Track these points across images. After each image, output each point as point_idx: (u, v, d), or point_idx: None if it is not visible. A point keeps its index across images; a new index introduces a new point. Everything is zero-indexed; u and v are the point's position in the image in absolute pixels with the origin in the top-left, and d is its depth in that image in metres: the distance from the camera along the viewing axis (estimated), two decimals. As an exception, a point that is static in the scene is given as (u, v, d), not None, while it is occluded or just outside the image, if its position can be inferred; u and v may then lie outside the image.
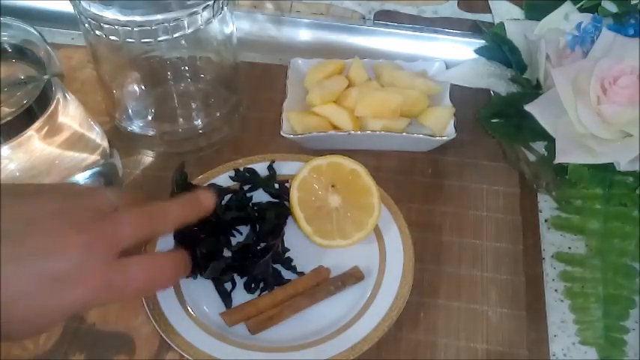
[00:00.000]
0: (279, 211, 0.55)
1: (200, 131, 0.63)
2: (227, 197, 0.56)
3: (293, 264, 0.53)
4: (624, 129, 0.48)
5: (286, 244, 0.54)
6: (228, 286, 0.52)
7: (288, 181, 0.56)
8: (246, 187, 0.58)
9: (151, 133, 0.63)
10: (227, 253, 0.53)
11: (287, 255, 0.54)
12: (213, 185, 0.57)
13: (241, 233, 0.55)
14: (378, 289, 0.51)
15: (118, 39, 0.53)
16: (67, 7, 0.55)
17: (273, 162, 0.59)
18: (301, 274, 0.53)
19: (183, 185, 0.54)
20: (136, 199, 0.40)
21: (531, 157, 0.56)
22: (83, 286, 0.33)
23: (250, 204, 0.56)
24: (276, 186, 0.58)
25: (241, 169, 0.59)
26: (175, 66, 0.65)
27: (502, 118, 0.54)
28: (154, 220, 0.38)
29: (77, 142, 0.54)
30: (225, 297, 0.51)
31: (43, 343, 0.50)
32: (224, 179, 0.58)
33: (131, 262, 0.36)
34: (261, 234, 0.54)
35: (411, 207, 0.58)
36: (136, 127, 0.63)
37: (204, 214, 0.42)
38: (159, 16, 0.52)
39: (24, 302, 0.32)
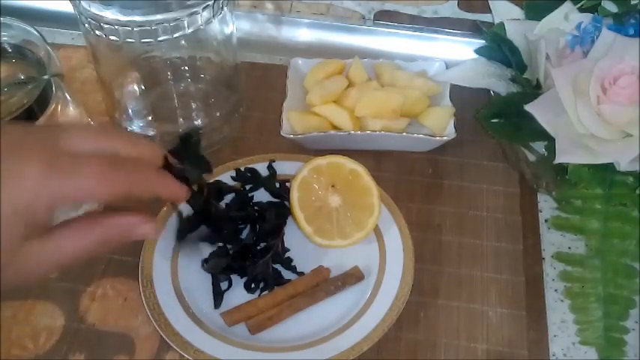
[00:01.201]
0: (279, 211, 0.55)
1: (200, 131, 0.63)
2: (229, 196, 0.56)
3: (293, 264, 0.53)
4: (624, 129, 0.48)
5: (286, 244, 0.54)
6: (224, 285, 0.52)
7: (288, 181, 0.56)
8: (247, 187, 0.58)
9: (151, 133, 0.63)
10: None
11: (287, 255, 0.54)
12: (218, 182, 0.57)
13: (241, 233, 0.55)
14: (378, 289, 0.51)
15: (118, 39, 0.53)
16: (67, 7, 0.55)
17: (273, 161, 0.59)
18: (301, 274, 0.53)
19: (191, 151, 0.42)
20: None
21: (531, 157, 0.56)
22: None
23: (250, 203, 0.56)
24: (277, 185, 0.58)
25: (242, 168, 0.59)
26: (175, 66, 0.65)
27: (502, 118, 0.54)
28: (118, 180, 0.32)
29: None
30: (218, 295, 0.51)
31: (43, 343, 0.50)
32: (224, 179, 0.58)
33: (60, 231, 0.32)
34: (261, 234, 0.54)
35: (411, 207, 0.58)
36: (136, 127, 0.63)
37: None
38: (159, 16, 0.52)
39: None
